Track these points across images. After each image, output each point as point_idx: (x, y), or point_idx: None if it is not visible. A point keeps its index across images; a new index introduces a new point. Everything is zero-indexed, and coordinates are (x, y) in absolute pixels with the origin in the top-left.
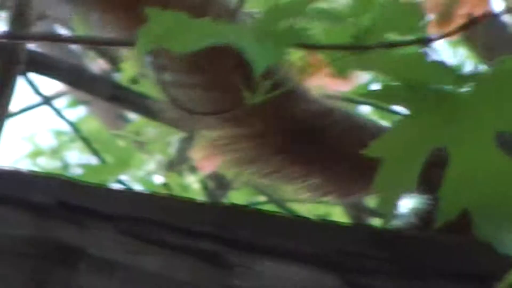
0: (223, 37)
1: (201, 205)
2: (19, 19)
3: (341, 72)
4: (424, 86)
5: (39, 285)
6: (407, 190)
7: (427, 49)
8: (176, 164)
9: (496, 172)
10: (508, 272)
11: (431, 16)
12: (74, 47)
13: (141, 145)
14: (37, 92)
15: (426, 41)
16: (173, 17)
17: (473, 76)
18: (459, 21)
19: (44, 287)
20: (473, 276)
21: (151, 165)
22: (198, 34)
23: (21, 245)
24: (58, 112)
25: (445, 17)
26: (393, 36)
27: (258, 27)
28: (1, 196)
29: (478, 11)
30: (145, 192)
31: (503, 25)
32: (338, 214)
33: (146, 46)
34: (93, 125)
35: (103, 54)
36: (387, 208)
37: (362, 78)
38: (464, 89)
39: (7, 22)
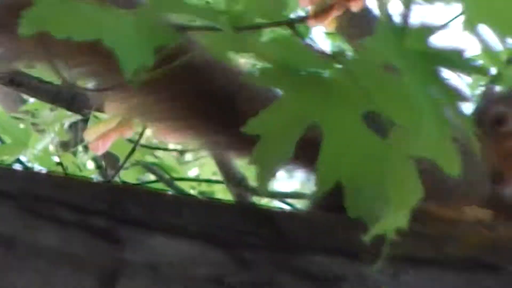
0: (100, 29)
1: (95, 183)
2: None
3: (220, 56)
4: (295, 69)
5: None
6: (281, 164)
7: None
8: (71, 144)
9: (365, 150)
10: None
11: (309, 8)
12: None
13: (38, 127)
14: None
15: (294, 22)
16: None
17: (341, 59)
18: (335, 12)
19: None
20: (344, 250)
21: (48, 146)
22: (79, 21)
23: None
24: None
25: (322, 9)
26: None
27: (140, 18)
28: None
29: (353, 4)
30: (43, 171)
31: (375, 18)
32: (221, 192)
33: (29, 29)
34: None
35: None
36: (264, 180)
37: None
38: (332, 71)
39: None
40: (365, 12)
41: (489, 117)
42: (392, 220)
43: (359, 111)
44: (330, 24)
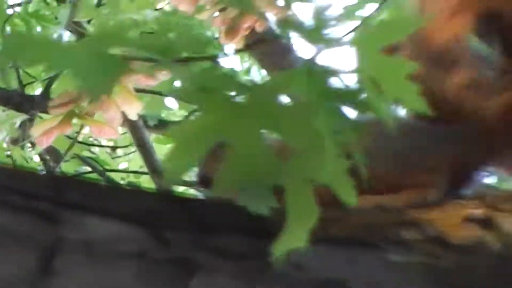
0: (64, 61)
1: (39, 174)
2: None
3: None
4: (213, 91)
5: None
6: (190, 169)
7: (221, 57)
8: (20, 140)
9: (260, 165)
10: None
11: (221, 28)
12: None
13: None
14: None
15: (214, 57)
16: (19, 38)
17: (251, 86)
18: (243, 32)
19: None
20: (251, 231)
21: (1, 141)
22: (43, 53)
23: None
24: None
25: (232, 29)
26: (189, 53)
27: (90, 52)
28: None
29: (257, 25)
30: None
31: (277, 36)
32: (147, 182)
33: (3, 64)
34: None
35: None
36: (170, 179)
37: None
38: (243, 96)
39: None
40: (269, 32)
41: None
42: (291, 240)
43: (260, 131)
44: (239, 42)
